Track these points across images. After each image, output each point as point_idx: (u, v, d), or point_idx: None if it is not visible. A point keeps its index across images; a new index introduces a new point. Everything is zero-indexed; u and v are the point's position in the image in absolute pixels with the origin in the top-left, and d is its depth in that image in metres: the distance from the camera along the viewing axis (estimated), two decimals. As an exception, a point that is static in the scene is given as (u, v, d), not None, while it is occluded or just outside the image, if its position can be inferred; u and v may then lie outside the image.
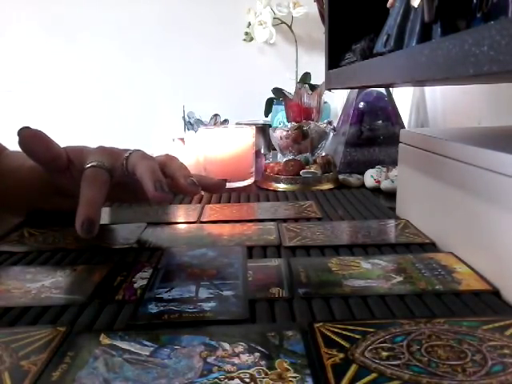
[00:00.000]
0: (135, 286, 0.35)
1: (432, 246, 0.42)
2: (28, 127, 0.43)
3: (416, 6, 0.35)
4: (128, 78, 1.50)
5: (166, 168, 0.43)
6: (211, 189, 0.49)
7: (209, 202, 0.61)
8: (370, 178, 0.69)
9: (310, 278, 0.35)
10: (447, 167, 0.40)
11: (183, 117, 1.15)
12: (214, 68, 1.49)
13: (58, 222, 0.51)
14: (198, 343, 0.26)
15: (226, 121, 1.04)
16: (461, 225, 0.38)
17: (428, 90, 0.94)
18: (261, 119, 1.15)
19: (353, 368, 0.23)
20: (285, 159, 0.75)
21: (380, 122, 0.82)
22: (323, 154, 0.76)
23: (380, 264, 0.37)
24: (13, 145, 0.48)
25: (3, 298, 0.33)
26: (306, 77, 1.19)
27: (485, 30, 0.22)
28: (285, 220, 0.51)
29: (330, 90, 0.67)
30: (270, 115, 1.18)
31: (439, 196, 0.42)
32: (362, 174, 0.72)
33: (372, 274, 0.35)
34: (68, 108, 1.51)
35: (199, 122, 1.11)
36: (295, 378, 0.23)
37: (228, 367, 0.24)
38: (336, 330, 0.27)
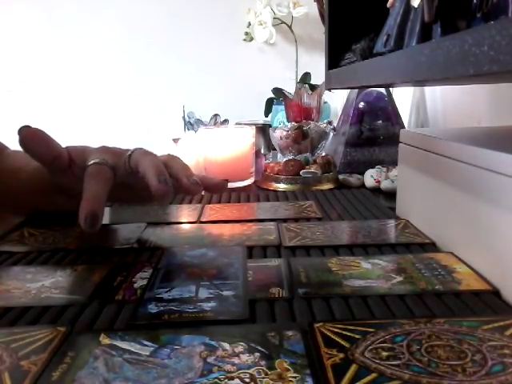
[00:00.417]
0: (135, 286, 0.35)
1: (432, 246, 0.42)
2: (28, 126, 0.43)
3: (416, 6, 0.35)
4: (128, 78, 1.50)
5: (169, 167, 0.43)
6: (213, 189, 0.49)
7: (209, 202, 0.61)
8: (370, 177, 0.69)
9: (310, 278, 0.35)
10: (447, 167, 0.40)
11: (183, 117, 1.15)
12: (214, 68, 1.49)
13: (58, 222, 0.51)
14: (197, 343, 0.26)
15: (225, 121, 1.04)
16: (461, 225, 0.38)
17: (428, 90, 0.94)
18: (261, 119, 1.15)
19: (353, 368, 0.23)
20: (285, 159, 0.75)
21: (380, 122, 0.82)
22: (323, 154, 0.76)
23: (380, 264, 0.37)
24: (13, 145, 0.48)
25: (3, 298, 0.33)
26: (305, 77, 1.19)
27: (485, 29, 0.22)
28: (285, 220, 0.51)
29: (329, 90, 0.67)
30: (269, 115, 1.18)
31: (439, 196, 0.42)
32: (362, 174, 0.72)
33: (372, 274, 0.35)
34: (68, 108, 1.51)
35: (199, 122, 1.11)
36: (295, 377, 0.23)
37: (228, 367, 0.24)
38: (336, 329, 0.27)
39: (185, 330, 0.28)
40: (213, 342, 0.26)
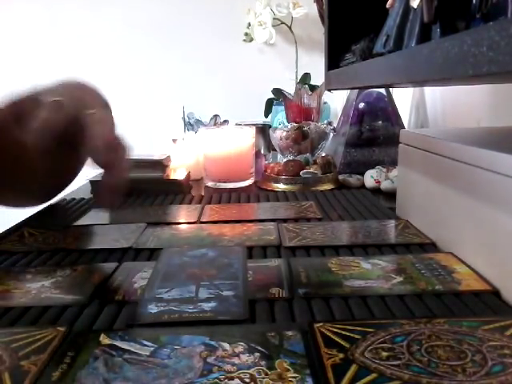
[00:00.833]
0: (135, 286, 0.35)
1: (432, 246, 0.42)
2: None
3: (415, 7, 0.35)
4: (128, 79, 1.50)
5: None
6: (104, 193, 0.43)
7: (209, 203, 0.61)
8: (370, 178, 0.69)
9: (310, 278, 0.35)
10: (447, 167, 0.40)
11: (183, 117, 1.15)
12: (214, 69, 1.49)
13: (58, 222, 0.51)
14: (198, 343, 0.26)
15: (225, 121, 1.04)
16: (461, 225, 0.38)
17: (428, 90, 0.94)
18: (261, 120, 1.15)
19: (353, 368, 0.23)
20: (285, 160, 0.75)
21: (380, 122, 0.82)
22: (323, 155, 0.76)
23: (380, 264, 0.37)
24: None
25: (3, 298, 0.33)
26: (305, 77, 1.19)
27: (484, 30, 0.22)
28: (285, 220, 0.51)
29: (329, 90, 0.67)
30: (269, 116, 1.18)
31: (439, 196, 0.42)
32: (362, 174, 0.72)
33: (372, 274, 0.35)
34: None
35: (199, 123, 1.11)
36: (295, 378, 0.23)
37: (228, 367, 0.24)
38: (336, 330, 0.27)
39: (185, 330, 0.28)
40: (213, 342, 0.26)
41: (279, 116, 1.16)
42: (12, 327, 0.29)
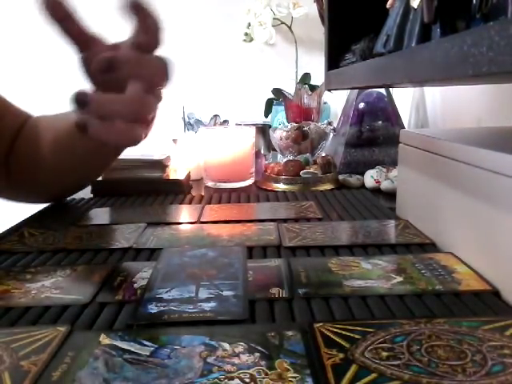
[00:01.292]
0: (135, 286, 0.35)
1: (432, 246, 0.42)
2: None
3: (415, 7, 0.35)
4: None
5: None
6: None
7: (209, 203, 0.61)
8: (370, 178, 0.69)
9: (310, 278, 0.35)
10: (447, 167, 0.40)
11: (183, 117, 1.15)
12: (214, 68, 1.49)
13: (58, 222, 0.51)
14: (198, 343, 0.26)
15: (225, 121, 1.04)
16: (461, 225, 0.38)
17: (428, 90, 0.94)
18: (261, 120, 1.15)
19: (353, 368, 0.23)
20: (285, 160, 0.75)
21: (380, 122, 0.82)
22: (323, 155, 0.76)
23: (380, 264, 0.37)
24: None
25: (3, 298, 0.33)
26: (305, 77, 1.19)
27: (484, 30, 0.22)
28: (285, 220, 0.51)
29: (329, 90, 0.67)
30: (269, 116, 1.18)
31: (439, 196, 0.42)
32: (362, 174, 0.72)
33: (372, 274, 0.35)
34: (67, 107, 1.51)
35: (199, 123, 1.11)
36: (295, 378, 0.23)
37: (228, 367, 0.24)
38: (336, 330, 0.27)
39: (185, 330, 0.28)
40: (213, 342, 0.26)
41: (279, 116, 1.16)
42: (12, 327, 0.29)
